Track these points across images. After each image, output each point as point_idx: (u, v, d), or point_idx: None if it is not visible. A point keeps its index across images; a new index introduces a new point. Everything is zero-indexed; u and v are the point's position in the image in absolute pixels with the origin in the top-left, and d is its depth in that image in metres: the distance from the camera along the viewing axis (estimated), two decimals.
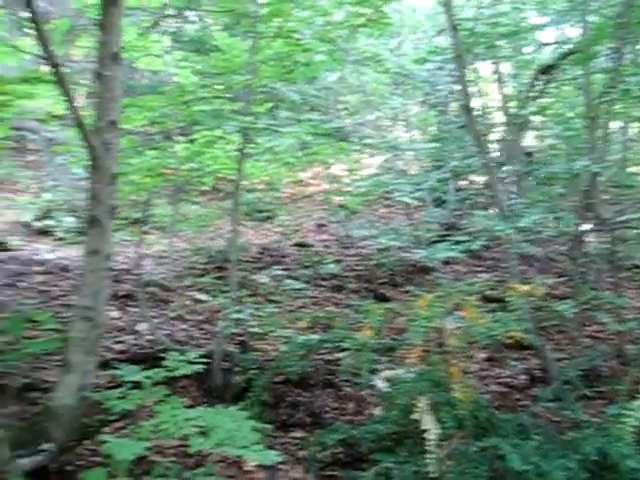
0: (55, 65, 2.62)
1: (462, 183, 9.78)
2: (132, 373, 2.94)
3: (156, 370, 2.94)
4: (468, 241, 3.79)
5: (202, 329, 4.69)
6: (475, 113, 4.83)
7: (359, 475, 2.86)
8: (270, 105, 4.65)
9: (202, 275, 5.99)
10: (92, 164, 2.73)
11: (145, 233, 5.12)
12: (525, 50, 8.39)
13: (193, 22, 11.29)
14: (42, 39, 2.58)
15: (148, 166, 4.24)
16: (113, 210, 2.79)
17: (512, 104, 8.66)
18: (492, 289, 5.44)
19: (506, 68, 9.31)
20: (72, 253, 6.96)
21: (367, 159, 11.43)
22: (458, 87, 7.09)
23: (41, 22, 2.58)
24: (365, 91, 11.95)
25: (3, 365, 3.23)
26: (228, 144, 4.60)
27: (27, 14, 2.67)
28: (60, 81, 2.66)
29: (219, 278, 5.60)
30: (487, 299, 5.21)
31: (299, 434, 3.55)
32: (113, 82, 2.78)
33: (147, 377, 2.90)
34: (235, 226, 4.16)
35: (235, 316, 3.90)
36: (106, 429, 3.11)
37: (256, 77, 4.10)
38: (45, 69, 3.96)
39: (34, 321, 3.70)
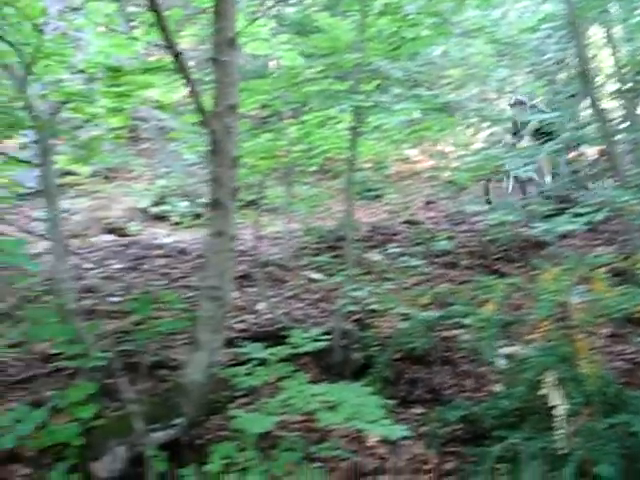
0: (177, 54, 2.70)
1: (573, 154, 9.47)
2: (257, 350, 3.02)
3: (280, 347, 3.02)
4: (590, 213, 3.66)
5: (318, 307, 4.75)
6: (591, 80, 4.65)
7: (485, 451, 2.84)
8: (377, 83, 4.63)
9: (316, 255, 6.06)
10: (213, 148, 2.80)
11: (259, 215, 5.22)
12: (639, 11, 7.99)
13: (293, 4, 11.38)
14: (164, 29, 2.66)
15: (262, 149, 4.31)
16: (235, 193, 2.86)
17: (626, 69, 8.29)
18: (618, 262, 5.22)
19: (618, 31, 8.90)
20: (188, 236, 7.21)
21: (473, 133, 11.24)
22: (569, 54, 6.87)
23: (162, 13, 2.66)
24: (469, 64, 11.70)
25: (134, 344, 3.37)
26: (338, 123, 4.62)
27: (145, 6, 2.76)
28: (182, 69, 2.74)
29: (333, 257, 5.65)
30: (612, 272, 5.02)
31: (419, 410, 3.55)
32: (230, 67, 2.82)
33: (271, 354, 2.98)
34: (349, 205, 4.18)
35: (353, 294, 3.93)
36: (232, 405, 3.22)
37: (365, 55, 4.09)
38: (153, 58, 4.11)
39: (157, 302, 3.84)
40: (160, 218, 9.08)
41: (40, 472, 2.78)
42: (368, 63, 4.25)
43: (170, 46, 2.69)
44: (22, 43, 3.44)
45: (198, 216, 8.53)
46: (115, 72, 3.47)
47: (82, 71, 3.71)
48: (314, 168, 6.02)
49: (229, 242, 2.84)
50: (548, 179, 8.91)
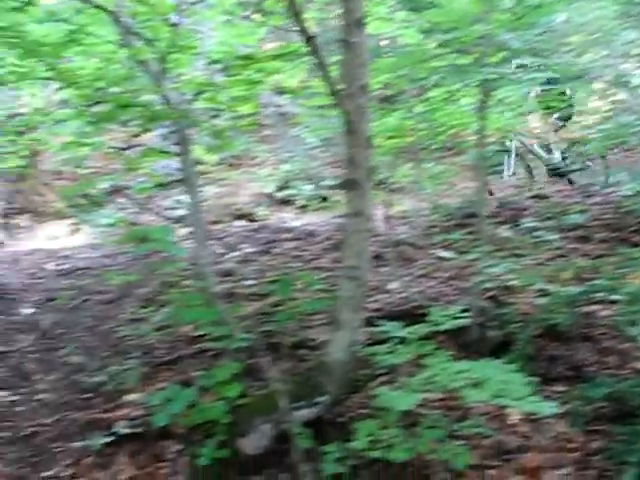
0: (309, 37, 2.73)
1: None
2: (396, 329, 3.04)
3: (418, 325, 3.01)
4: None
5: (450, 285, 4.70)
6: None
7: (635, 430, 2.74)
8: (503, 55, 4.52)
9: (444, 232, 5.99)
10: (347, 129, 2.81)
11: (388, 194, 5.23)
12: None
13: None
14: (297, 14, 2.70)
15: (389, 128, 4.31)
16: (370, 172, 2.88)
17: None
18: None
19: None
20: (315, 219, 7.31)
21: (594, 101, 10.82)
22: None
23: None
24: (591, 29, 11.23)
25: (274, 325, 3.47)
26: (462, 98, 4.55)
27: None
28: (314, 52, 2.77)
29: (463, 234, 5.57)
30: None
31: (561, 388, 3.46)
32: (360, 48, 2.82)
33: (410, 332, 2.98)
34: (480, 181, 4.12)
35: (490, 270, 3.87)
36: (372, 383, 3.25)
37: (489, 28, 3.99)
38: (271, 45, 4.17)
39: (295, 283, 3.92)
40: (286, 202, 9.27)
41: (191, 448, 2.92)
42: (493, 35, 4.14)
43: (303, 30, 2.72)
44: (155, 39, 3.59)
45: (324, 199, 8.65)
46: (246, 60, 3.55)
47: (215, 62, 3.82)
48: (439, 145, 5.96)
49: (366, 222, 2.86)
50: (557, 155, 8.45)
